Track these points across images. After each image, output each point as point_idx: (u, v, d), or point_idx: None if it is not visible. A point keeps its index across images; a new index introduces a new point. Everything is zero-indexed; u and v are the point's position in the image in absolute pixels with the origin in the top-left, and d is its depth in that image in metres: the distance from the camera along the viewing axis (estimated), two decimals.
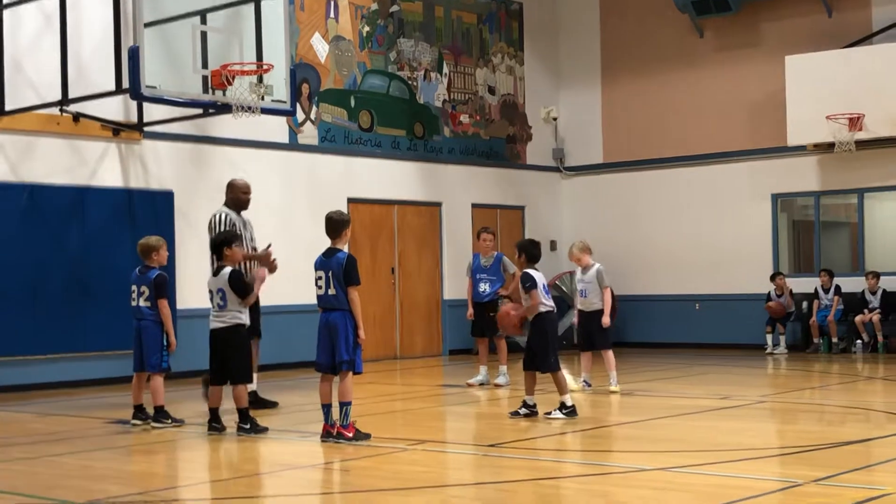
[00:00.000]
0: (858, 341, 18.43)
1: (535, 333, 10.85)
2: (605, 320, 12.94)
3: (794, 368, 16.56)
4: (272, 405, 12.13)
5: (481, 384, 14.02)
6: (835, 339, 18.64)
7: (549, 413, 10.72)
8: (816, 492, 6.99)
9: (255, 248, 12.03)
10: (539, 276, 10.86)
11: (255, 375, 11.72)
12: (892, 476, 7.70)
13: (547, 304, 10.83)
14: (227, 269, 10.20)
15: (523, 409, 10.82)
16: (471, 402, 12.98)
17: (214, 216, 11.92)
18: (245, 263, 11.63)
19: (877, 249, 19.63)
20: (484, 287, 14.10)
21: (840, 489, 7.07)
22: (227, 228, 11.61)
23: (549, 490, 7.55)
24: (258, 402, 11.84)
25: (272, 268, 11.66)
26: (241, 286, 10.16)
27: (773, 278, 19.28)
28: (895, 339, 18.27)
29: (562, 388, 10.75)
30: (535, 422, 10.56)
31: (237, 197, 12.13)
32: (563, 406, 10.69)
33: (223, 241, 10.36)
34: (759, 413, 11.54)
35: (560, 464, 8.72)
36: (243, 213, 12.15)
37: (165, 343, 10.83)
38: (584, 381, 13.27)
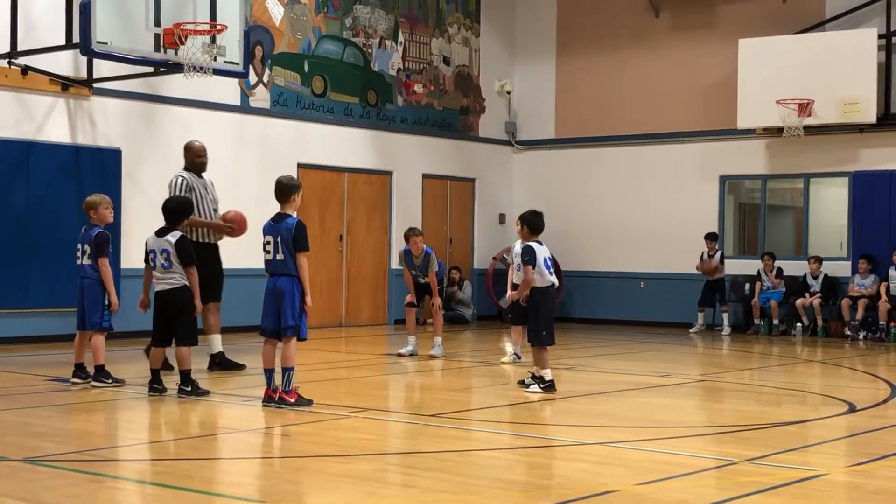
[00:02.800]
0: (798, 324, 18.67)
1: (530, 307, 10.82)
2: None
3: (734, 349, 16.76)
4: (239, 367, 12.19)
5: (411, 354, 14.08)
6: (776, 322, 18.88)
7: (525, 383, 10.76)
8: (751, 471, 7.10)
9: (216, 210, 12.11)
10: (541, 250, 10.75)
11: (220, 337, 12.11)
12: (826, 458, 7.83)
13: (545, 279, 10.73)
14: (177, 233, 10.16)
15: (542, 384, 10.73)
16: (414, 371, 13.02)
17: (172, 181, 11.95)
18: (199, 229, 11.83)
19: (820, 234, 19.88)
20: (423, 280, 14.20)
21: (774, 469, 7.19)
22: (185, 193, 11.70)
23: (488, 461, 7.60)
24: (224, 363, 12.07)
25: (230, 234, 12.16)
26: (189, 254, 10.10)
27: (707, 238, 19.43)
28: (834, 323, 18.53)
29: (542, 364, 10.74)
30: (480, 394, 10.60)
31: (192, 160, 12.18)
32: (541, 380, 10.70)
33: (188, 210, 10.30)
34: (698, 392, 11.67)
35: (500, 435, 8.77)
36: (205, 174, 12.22)
37: (107, 302, 10.74)
38: (515, 353, 13.39)
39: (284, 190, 9.64)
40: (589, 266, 21.52)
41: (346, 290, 19.47)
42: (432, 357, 13.93)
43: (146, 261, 10.29)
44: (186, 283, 10.12)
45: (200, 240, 11.82)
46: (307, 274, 9.49)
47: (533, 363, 10.93)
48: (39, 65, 14.82)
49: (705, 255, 19.43)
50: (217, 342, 12.14)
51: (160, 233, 10.20)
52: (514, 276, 13.33)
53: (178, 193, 11.67)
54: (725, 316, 19.23)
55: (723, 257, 19.37)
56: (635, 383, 11.80)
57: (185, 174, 12.03)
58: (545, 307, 10.77)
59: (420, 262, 14.12)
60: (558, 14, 22.17)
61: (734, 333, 19.01)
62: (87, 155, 15.60)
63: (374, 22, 19.92)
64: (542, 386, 10.65)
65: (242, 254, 16.79)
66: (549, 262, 10.80)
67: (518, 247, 13.31)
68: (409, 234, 14.13)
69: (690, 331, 19.24)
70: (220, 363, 12.13)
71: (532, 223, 10.91)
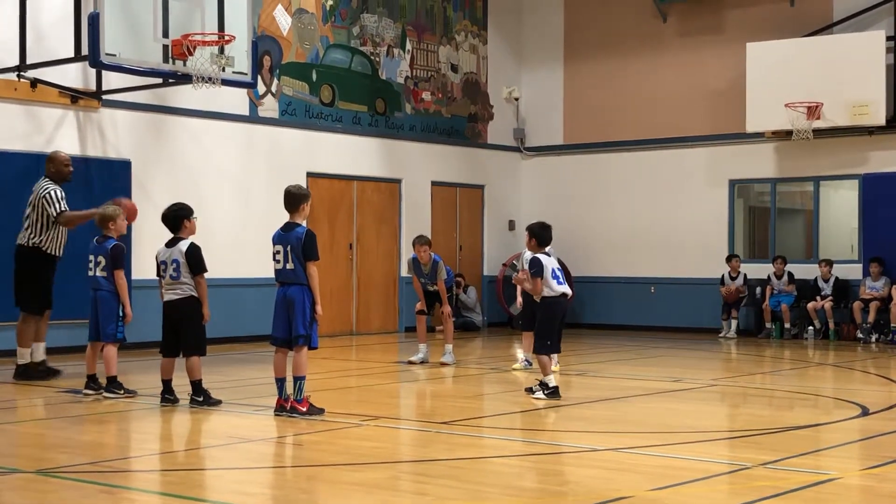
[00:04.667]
0: (810, 328, 18.63)
1: (537, 316, 10.86)
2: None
3: (746, 353, 16.72)
4: (55, 373, 12.29)
5: (422, 362, 14.08)
6: (787, 325, 18.84)
7: (532, 390, 10.76)
8: (764, 475, 7.08)
9: None
10: (549, 261, 10.75)
11: (43, 345, 12.27)
12: (839, 461, 7.82)
13: (554, 289, 10.71)
14: (186, 242, 10.15)
15: (546, 391, 10.76)
16: (425, 379, 13.01)
17: (52, 192, 12.13)
18: (52, 242, 12.24)
19: (830, 237, 19.84)
20: (432, 288, 14.23)
21: (787, 473, 7.16)
22: (64, 204, 12.06)
23: (500, 468, 7.60)
24: (35, 373, 12.14)
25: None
26: (200, 262, 10.10)
27: (728, 260, 19.47)
28: (846, 326, 18.48)
29: (545, 371, 10.74)
30: (492, 401, 10.59)
31: (60, 170, 12.49)
32: (545, 386, 10.70)
33: (183, 213, 10.29)
34: (710, 396, 11.65)
35: (512, 442, 8.77)
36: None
37: (121, 314, 10.77)
38: (526, 360, 13.38)
39: (293, 199, 9.64)
40: (599, 271, 21.49)
41: (357, 299, 19.47)
42: (443, 364, 13.93)
43: (158, 273, 10.30)
44: (194, 293, 10.12)
45: (52, 252, 12.20)
46: (317, 283, 9.49)
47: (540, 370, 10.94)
48: (48, 77, 14.86)
49: (727, 278, 19.34)
50: (41, 351, 12.24)
51: (170, 243, 10.21)
52: None
53: (60, 205, 12.03)
54: (734, 322, 19.23)
55: (745, 279, 19.31)
56: (647, 388, 11.78)
57: (53, 185, 12.24)
58: (552, 316, 10.78)
59: (428, 271, 14.13)
60: (566, 20, 22.17)
61: (746, 337, 18.99)
62: (96, 167, 15.63)
63: (381, 30, 19.94)
64: (546, 392, 10.65)
65: (253, 263, 16.86)
66: (559, 273, 10.81)
67: (528, 254, 13.34)
68: (416, 243, 14.15)
69: (719, 336, 19.20)
70: (28, 372, 12.13)
71: (540, 236, 10.98)
